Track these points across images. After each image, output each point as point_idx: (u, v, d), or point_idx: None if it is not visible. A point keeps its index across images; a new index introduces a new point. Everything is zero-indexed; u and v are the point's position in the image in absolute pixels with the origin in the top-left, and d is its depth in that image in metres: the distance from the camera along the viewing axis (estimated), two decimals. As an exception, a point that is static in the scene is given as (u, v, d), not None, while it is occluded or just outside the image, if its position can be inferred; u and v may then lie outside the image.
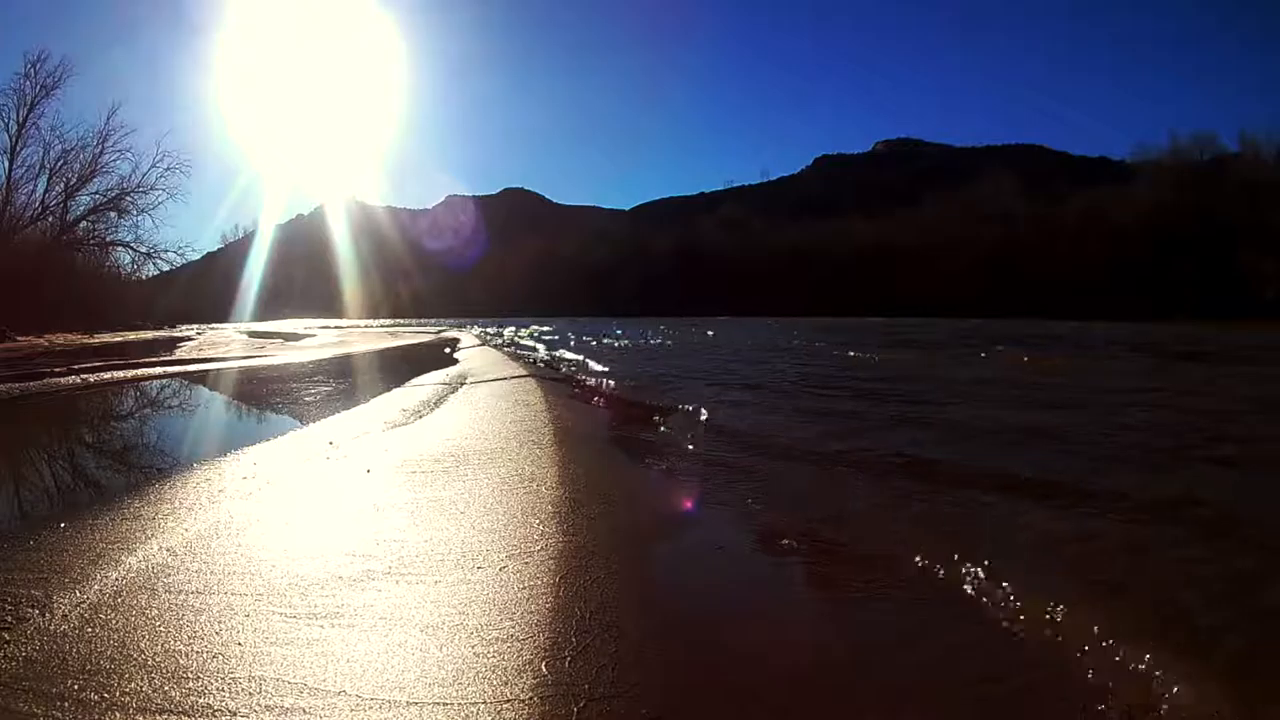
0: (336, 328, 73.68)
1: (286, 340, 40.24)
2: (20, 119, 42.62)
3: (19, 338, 30.23)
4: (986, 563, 3.83)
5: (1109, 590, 3.64)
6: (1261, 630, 3.24)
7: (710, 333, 44.73)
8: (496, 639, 3.10)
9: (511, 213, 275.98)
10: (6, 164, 42.39)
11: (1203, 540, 4.36)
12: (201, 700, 2.60)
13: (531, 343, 33.27)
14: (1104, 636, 3.03)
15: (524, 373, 17.02)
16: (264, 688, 2.69)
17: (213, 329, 65.84)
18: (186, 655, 2.93)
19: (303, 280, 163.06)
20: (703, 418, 9.57)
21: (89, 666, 2.84)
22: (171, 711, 2.53)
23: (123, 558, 4.06)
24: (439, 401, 11.52)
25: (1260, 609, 3.45)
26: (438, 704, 2.60)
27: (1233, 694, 2.64)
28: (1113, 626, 3.09)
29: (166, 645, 3.01)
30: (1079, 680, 2.80)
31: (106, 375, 15.63)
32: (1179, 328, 47.67)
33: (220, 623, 3.24)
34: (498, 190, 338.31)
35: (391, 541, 4.41)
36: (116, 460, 7.72)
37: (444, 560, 4.08)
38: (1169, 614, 3.35)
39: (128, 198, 46.27)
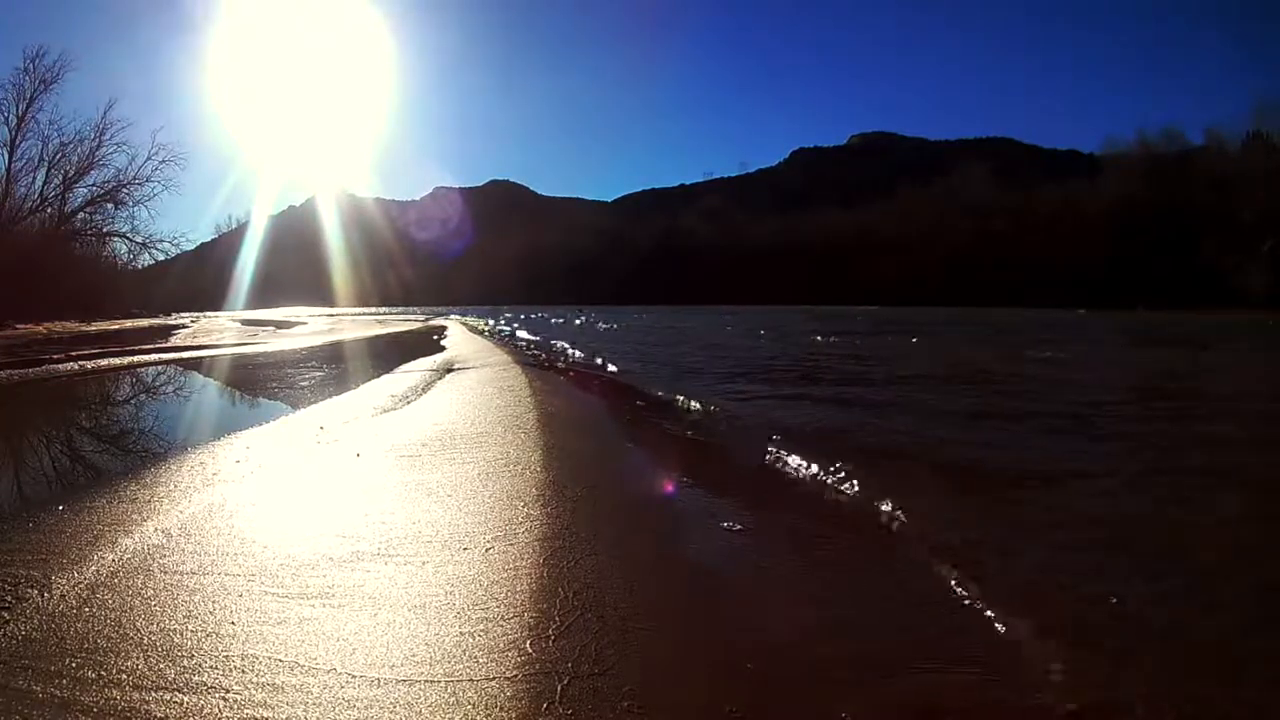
0: (327, 316, 73.56)
1: (278, 328, 40.22)
2: (19, 113, 42.36)
3: (18, 326, 30.14)
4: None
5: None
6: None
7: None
8: (482, 618, 3.17)
9: (497, 204, 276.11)
10: (6, 157, 42.17)
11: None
12: (196, 678, 2.66)
13: (516, 331, 33.38)
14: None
15: (509, 359, 17.08)
16: (257, 666, 2.75)
17: (207, 317, 65.65)
18: (181, 634, 2.99)
19: (294, 270, 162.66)
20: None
21: (86, 645, 2.90)
22: (167, 689, 2.59)
23: (119, 539, 4.13)
24: (427, 387, 11.58)
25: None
26: (426, 681, 2.66)
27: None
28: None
29: (162, 625, 3.08)
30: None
31: (104, 362, 15.66)
32: (1128, 315, 49.06)
33: (214, 603, 3.30)
34: (484, 182, 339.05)
35: (380, 524, 4.49)
36: (113, 444, 7.77)
37: (431, 542, 4.15)
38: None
39: (124, 190, 46.01)
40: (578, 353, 19.74)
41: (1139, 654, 2.87)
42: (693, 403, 9.60)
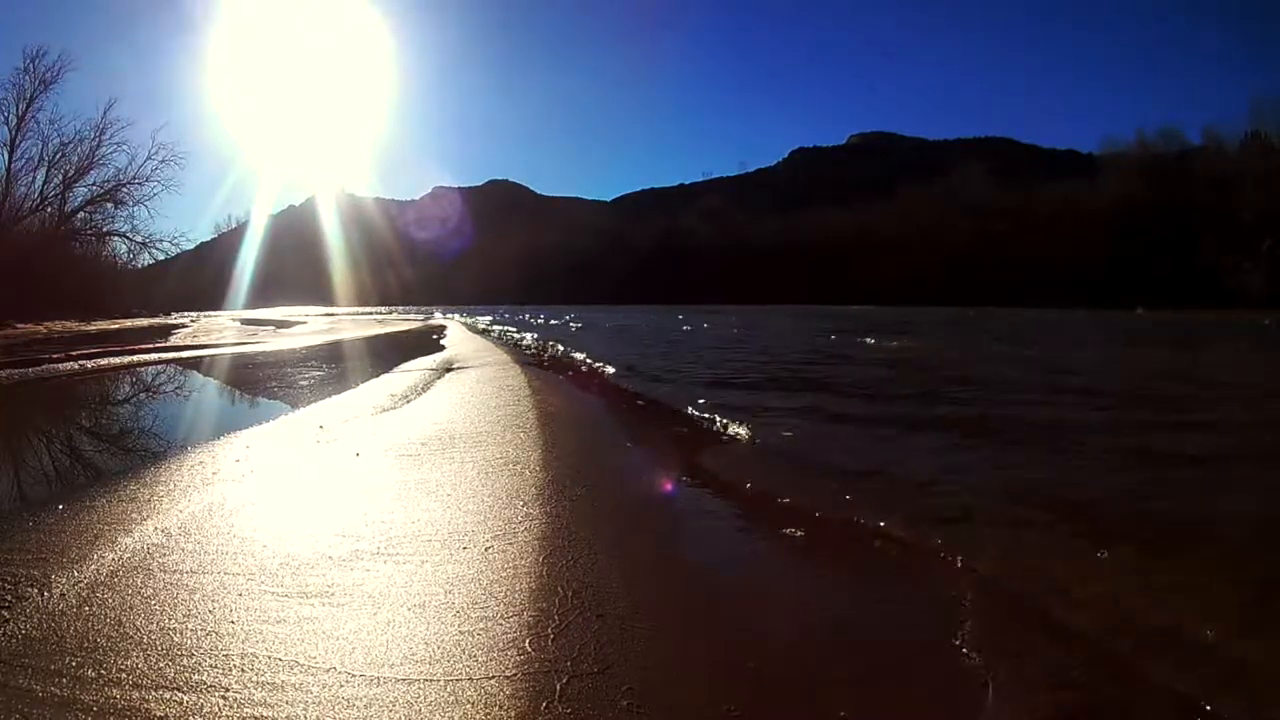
0: (327, 315, 73.59)
1: (278, 327, 40.22)
2: (20, 113, 42.64)
3: (18, 325, 30.19)
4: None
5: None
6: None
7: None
8: (482, 617, 3.18)
9: (497, 203, 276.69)
10: (6, 156, 42.46)
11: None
12: (195, 676, 2.66)
13: (514, 330, 33.52)
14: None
15: (508, 358, 17.10)
16: (256, 664, 2.76)
17: (207, 316, 65.76)
18: (181, 633, 2.99)
19: (294, 269, 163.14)
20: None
21: (86, 644, 2.90)
22: (166, 687, 2.59)
23: (119, 538, 4.13)
24: (426, 386, 11.59)
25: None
26: (425, 680, 2.67)
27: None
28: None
29: (162, 624, 3.08)
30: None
31: (104, 361, 15.67)
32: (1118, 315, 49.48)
33: (214, 602, 3.31)
34: (483, 181, 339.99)
35: (380, 523, 4.49)
36: (113, 444, 7.77)
37: (431, 541, 4.16)
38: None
39: (124, 189, 46.30)
40: (564, 348, 19.83)
41: (1139, 655, 2.88)
42: (689, 405, 9.63)
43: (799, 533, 4.48)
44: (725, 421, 8.14)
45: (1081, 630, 3.08)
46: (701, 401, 10.06)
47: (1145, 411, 9.62)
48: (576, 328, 38.95)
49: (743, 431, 7.62)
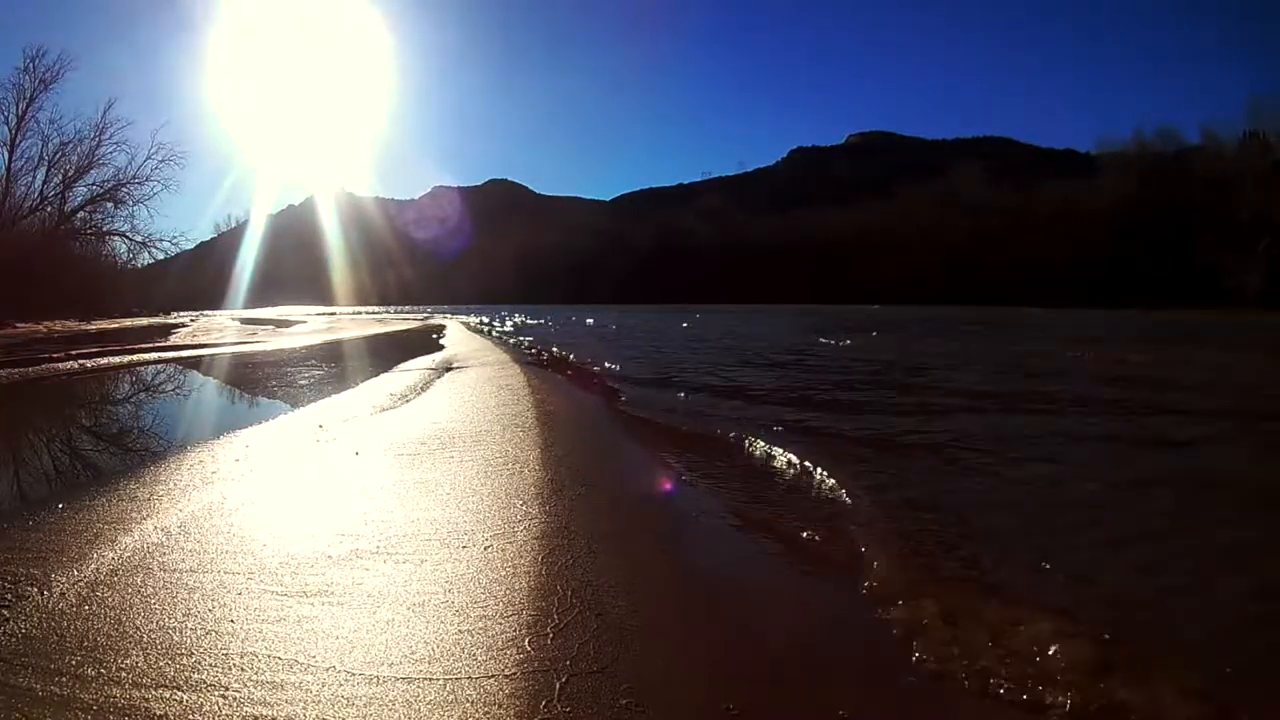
0: (326, 315, 73.59)
1: (278, 327, 40.24)
2: (20, 112, 42.76)
3: (19, 325, 30.22)
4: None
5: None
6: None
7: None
8: (481, 616, 3.18)
9: (496, 203, 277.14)
10: (6, 156, 42.57)
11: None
12: (195, 675, 2.67)
13: (514, 331, 33.59)
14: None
15: (507, 357, 17.13)
16: (255, 663, 2.76)
17: (206, 316, 65.70)
18: (181, 632, 3.00)
19: (294, 268, 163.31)
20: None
21: (86, 643, 2.91)
22: (166, 686, 2.60)
23: (119, 538, 4.14)
24: (425, 386, 11.60)
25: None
26: (424, 679, 2.67)
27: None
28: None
29: (161, 622, 3.08)
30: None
31: (103, 361, 15.68)
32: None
33: (213, 601, 3.31)
34: (483, 181, 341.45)
35: (379, 522, 4.50)
36: (113, 443, 7.77)
37: (430, 540, 4.16)
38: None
39: (124, 189, 46.41)
40: (563, 350, 19.89)
41: (1141, 656, 2.89)
42: (683, 405, 9.68)
43: (799, 534, 4.49)
44: (719, 423, 8.14)
45: (1091, 630, 3.08)
46: (682, 396, 10.17)
47: (1128, 420, 9.50)
48: (574, 328, 38.94)
49: (735, 433, 7.61)
